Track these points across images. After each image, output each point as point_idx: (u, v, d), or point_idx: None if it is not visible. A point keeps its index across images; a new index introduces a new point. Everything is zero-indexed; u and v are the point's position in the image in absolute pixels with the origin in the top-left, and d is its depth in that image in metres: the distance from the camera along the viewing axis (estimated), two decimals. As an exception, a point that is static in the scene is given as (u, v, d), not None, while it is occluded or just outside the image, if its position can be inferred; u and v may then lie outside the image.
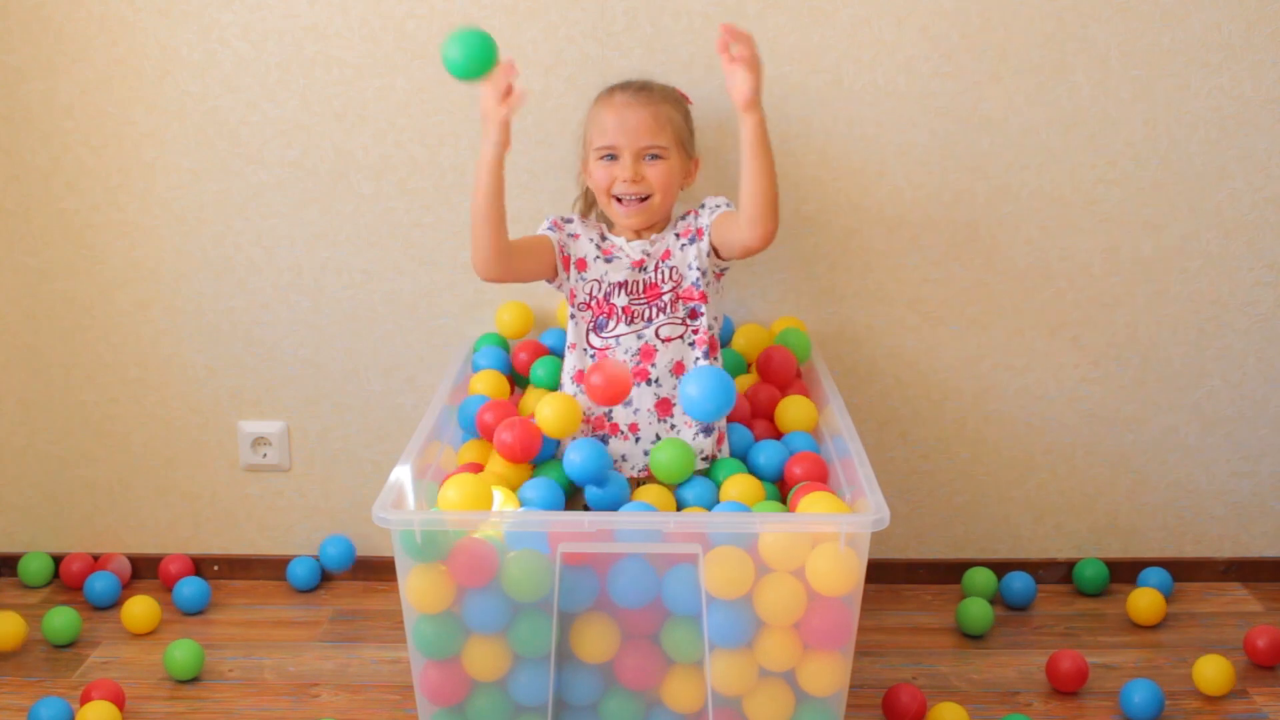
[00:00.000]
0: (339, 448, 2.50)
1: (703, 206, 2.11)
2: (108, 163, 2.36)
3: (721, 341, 2.36)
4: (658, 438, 2.02)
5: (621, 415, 2.03)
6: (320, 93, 2.32)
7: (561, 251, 2.10)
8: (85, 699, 2.05)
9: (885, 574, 2.49)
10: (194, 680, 2.18)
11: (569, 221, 2.14)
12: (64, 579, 2.50)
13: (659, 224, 2.12)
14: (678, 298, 2.06)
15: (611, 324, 2.07)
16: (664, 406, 2.04)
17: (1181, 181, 2.33)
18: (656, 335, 2.06)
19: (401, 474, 1.83)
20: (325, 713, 2.09)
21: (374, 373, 2.46)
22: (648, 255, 2.08)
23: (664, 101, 2.08)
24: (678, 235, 2.10)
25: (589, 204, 2.21)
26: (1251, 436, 2.46)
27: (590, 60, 2.27)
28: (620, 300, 2.07)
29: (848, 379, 2.41)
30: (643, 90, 2.08)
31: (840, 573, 1.67)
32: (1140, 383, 2.44)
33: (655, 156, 2.05)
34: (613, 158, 2.05)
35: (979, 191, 2.33)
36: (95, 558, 2.53)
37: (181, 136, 2.34)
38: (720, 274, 2.12)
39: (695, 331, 2.06)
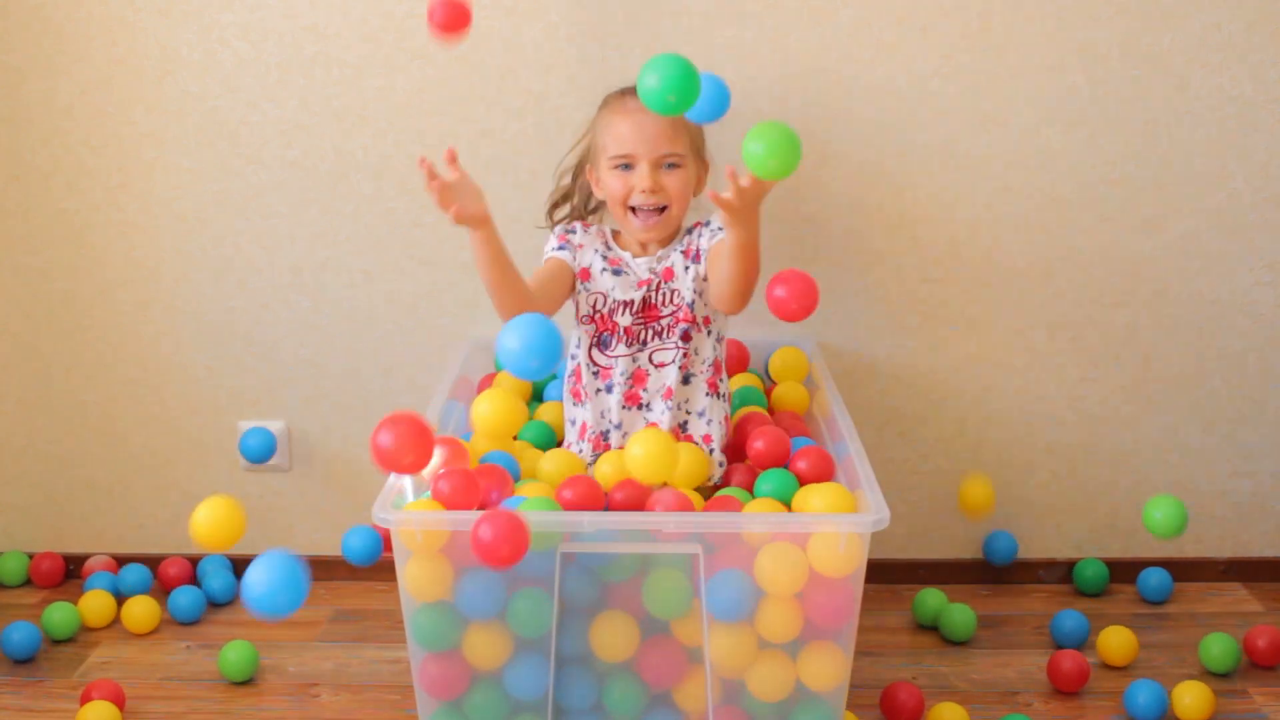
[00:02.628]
0: (339, 448, 2.50)
1: (707, 224, 2.06)
2: (108, 163, 2.36)
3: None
4: None
5: (615, 439, 2.03)
6: (320, 93, 2.32)
7: (577, 267, 2.07)
8: (85, 699, 2.04)
9: (885, 574, 2.49)
10: (194, 680, 2.18)
11: (572, 232, 2.10)
12: (46, 579, 2.51)
13: (669, 236, 2.08)
14: (676, 320, 2.03)
15: (614, 342, 2.05)
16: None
17: (1181, 181, 2.33)
18: (650, 360, 2.04)
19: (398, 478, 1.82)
20: (325, 713, 2.09)
21: (374, 373, 2.46)
22: (654, 274, 2.05)
23: None
24: (683, 253, 2.06)
25: (583, 209, 2.17)
26: (1251, 436, 2.46)
27: (590, 60, 2.28)
28: (624, 319, 2.04)
29: (848, 379, 2.41)
30: None
31: (840, 560, 1.68)
32: (1140, 383, 2.44)
33: (673, 165, 2.00)
34: (628, 167, 2.00)
35: (979, 191, 2.33)
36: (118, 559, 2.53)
37: (181, 136, 2.35)
38: None
39: (687, 355, 2.03)
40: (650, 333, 2.04)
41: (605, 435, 2.04)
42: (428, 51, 2.29)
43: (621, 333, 2.04)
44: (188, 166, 2.36)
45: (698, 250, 2.05)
